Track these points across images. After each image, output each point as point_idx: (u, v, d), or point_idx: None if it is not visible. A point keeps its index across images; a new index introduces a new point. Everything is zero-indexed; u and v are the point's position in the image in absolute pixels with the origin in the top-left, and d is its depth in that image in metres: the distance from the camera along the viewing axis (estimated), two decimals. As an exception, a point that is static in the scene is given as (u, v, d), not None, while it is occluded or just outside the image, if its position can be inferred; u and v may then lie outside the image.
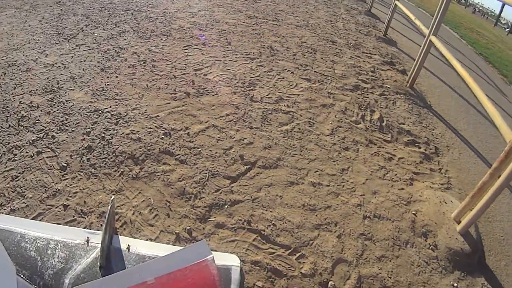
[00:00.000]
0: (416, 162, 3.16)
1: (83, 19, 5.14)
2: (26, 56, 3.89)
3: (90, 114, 2.93)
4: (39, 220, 2.05)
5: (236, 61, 4.12)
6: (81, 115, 2.93)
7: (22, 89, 3.28)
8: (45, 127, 2.83)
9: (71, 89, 3.27)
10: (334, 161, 2.87)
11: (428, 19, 8.26)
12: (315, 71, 4.31)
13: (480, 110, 5.08)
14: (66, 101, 3.10)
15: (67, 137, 2.70)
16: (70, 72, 3.55)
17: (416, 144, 3.45)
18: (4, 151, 2.61)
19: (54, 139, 2.70)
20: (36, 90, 3.24)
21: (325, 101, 3.67)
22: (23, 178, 2.34)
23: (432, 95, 5.01)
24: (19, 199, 2.17)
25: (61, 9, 5.51)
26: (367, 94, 4.17)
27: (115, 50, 4.12)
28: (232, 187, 2.41)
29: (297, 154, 2.84)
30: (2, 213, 2.10)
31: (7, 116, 2.89)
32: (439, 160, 3.33)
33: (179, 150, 2.63)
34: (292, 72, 4.10)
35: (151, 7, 5.87)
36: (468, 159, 3.56)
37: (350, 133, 3.30)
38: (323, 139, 3.10)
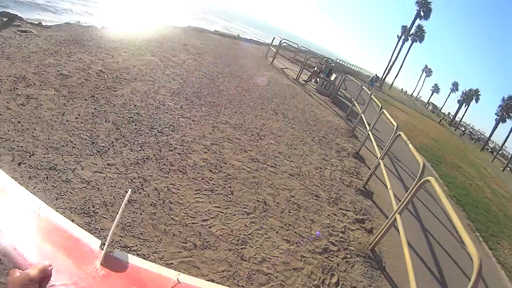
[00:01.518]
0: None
1: (113, 128, 5.86)
2: (65, 162, 4.53)
3: (120, 249, 3.61)
4: None
5: (235, 214, 4.96)
6: (113, 247, 3.69)
7: (63, 202, 3.87)
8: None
9: (104, 217, 3.93)
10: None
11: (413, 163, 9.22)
12: (295, 232, 5.22)
13: (432, 271, 6.13)
14: (101, 229, 3.75)
15: None
16: (103, 197, 4.21)
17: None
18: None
19: None
20: (76, 208, 3.86)
21: (297, 265, 4.58)
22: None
23: (388, 256, 5.98)
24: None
25: (95, 108, 6.24)
26: (332, 257, 5.12)
27: (140, 181, 4.81)
28: None
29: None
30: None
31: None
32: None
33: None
34: (277, 232, 5.00)
35: (172, 130, 6.67)
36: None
37: (311, 298, 4.26)
38: (288, 302, 4.04)
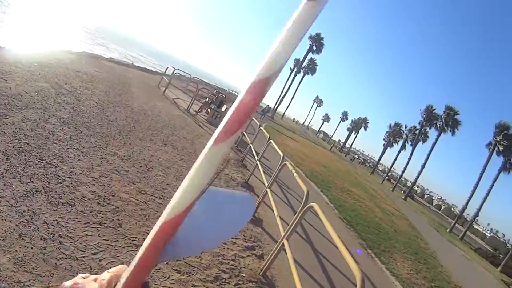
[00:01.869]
0: None
1: (3, 159, 5.67)
2: None
3: (15, 285, 3.54)
4: None
5: (124, 247, 4.98)
6: (8, 283, 3.51)
7: None
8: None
9: None
10: None
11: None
12: (185, 262, 5.31)
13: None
14: None
15: None
16: None
17: None
18: None
19: None
20: None
21: None
22: None
23: (280, 280, 6.23)
24: None
25: None
26: (224, 285, 5.27)
27: (29, 214, 4.68)
28: None
29: None
30: None
31: None
32: None
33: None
34: (167, 263, 5.07)
35: (61, 162, 6.53)
36: None
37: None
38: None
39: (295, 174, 6.83)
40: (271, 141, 10.17)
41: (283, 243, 5.74)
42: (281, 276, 6.34)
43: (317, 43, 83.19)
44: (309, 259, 7.72)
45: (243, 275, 5.79)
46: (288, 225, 5.96)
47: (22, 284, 3.62)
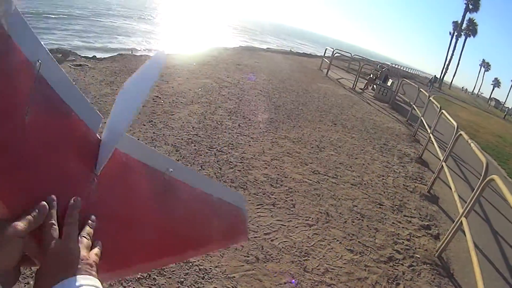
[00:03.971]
0: None
1: (173, 150, 6.06)
2: None
3: (182, 265, 3.75)
4: None
5: (297, 227, 5.00)
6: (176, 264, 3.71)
7: None
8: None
9: None
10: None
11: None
12: (358, 241, 5.18)
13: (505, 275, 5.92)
14: None
15: (165, 282, 3.48)
16: None
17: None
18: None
19: (155, 281, 3.42)
20: None
21: (361, 274, 4.54)
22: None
23: (457, 262, 5.77)
24: None
25: (154, 132, 6.49)
26: (397, 266, 5.03)
27: None
28: None
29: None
30: None
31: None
32: None
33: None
34: (340, 242, 4.99)
35: (231, 149, 6.83)
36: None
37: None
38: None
39: (472, 145, 6.28)
40: (443, 111, 9.51)
41: (461, 221, 5.33)
42: (457, 259, 5.88)
43: (472, 0, 76.98)
44: (487, 241, 7.09)
45: (418, 256, 5.49)
46: (466, 202, 5.53)
47: (190, 263, 3.82)
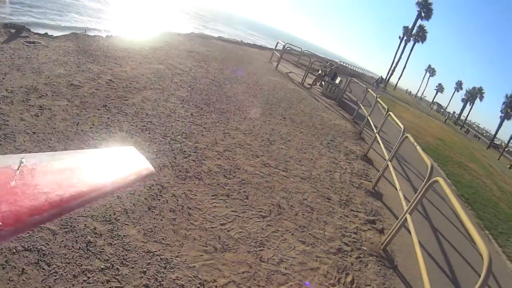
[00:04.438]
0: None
1: (127, 137, 6.04)
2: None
3: (143, 254, 3.76)
4: None
5: (251, 218, 5.12)
6: (137, 253, 3.73)
7: (84, 210, 3.98)
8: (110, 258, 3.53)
9: (126, 224, 4.06)
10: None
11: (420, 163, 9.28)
12: (309, 233, 5.37)
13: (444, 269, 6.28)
14: (124, 235, 3.88)
15: (128, 272, 3.48)
16: (123, 204, 4.34)
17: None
18: (78, 272, 3.23)
19: (118, 271, 3.43)
20: (97, 216, 3.99)
21: (313, 265, 4.74)
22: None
23: (400, 255, 6.11)
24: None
25: (108, 118, 6.41)
26: (346, 257, 5.27)
27: (158, 188, 4.94)
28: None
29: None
30: None
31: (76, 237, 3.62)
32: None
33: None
34: (292, 234, 5.15)
35: (185, 138, 6.84)
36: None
37: (328, 296, 4.46)
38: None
39: (417, 147, 6.62)
40: (390, 112, 9.89)
41: (405, 217, 5.62)
42: (400, 252, 6.22)
43: (425, 8, 79.59)
44: (428, 237, 7.49)
45: (364, 248, 5.76)
46: (409, 201, 5.83)
47: (152, 253, 3.83)
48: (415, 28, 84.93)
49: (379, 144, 9.88)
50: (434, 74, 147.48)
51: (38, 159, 1.33)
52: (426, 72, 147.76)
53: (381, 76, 64.01)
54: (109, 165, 1.61)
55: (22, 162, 1.21)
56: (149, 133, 6.48)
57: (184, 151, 6.34)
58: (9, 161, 1.22)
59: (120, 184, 1.49)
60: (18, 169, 1.19)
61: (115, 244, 3.75)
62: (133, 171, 1.62)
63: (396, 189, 7.11)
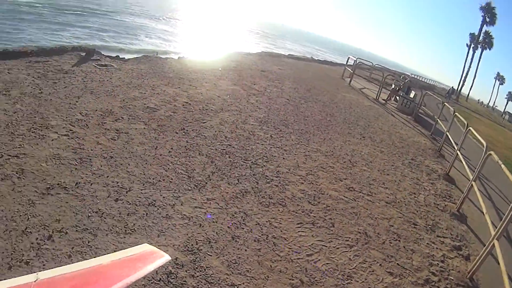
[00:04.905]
0: None
1: (208, 162, 6.10)
2: (163, 197, 4.74)
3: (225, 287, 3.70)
4: None
5: (338, 248, 5.02)
6: (220, 286, 3.66)
7: (165, 239, 4.00)
8: (190, 288, 3.55)
9: (209, 254, 4.04)
10: None
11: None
12: (397, 263, 5.20)
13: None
14: (206, 267, 3.83)
15: None
16: (206, 233, 4.35)
17: None
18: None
19: None
20: (179, 246, 3.98)
21: None
22: None
23: (486, 285, 5.72)
24: None
25: (187, 141, 6.53)
26: (434, 288, 5.12)
27: (241, 216, 4.95)
28: None
29: None
30: None
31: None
32: None
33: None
34: (380, 264, 5.01)
35: (266, 161, 6.85)
36: None
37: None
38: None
39: (502, 166, 6.27)
40: (470, 128, 9.49)
41: (493, 243, 5.36)
42: (487, 281, 5.91)
43: (489, 13, 76.30)
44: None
45: (452, 278, 5.49)
46: (495, 225, 5.56)
47: (236, 287, 3.76)
48: (481, 34, 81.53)
49: (461, 162, 9.52)
50: (504, 82, 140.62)
51: (52, 274, 1.40)
52: (495, 81, 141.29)
53: (452, 87, 61.78)
54: (125, 269, 1.65)
55: (38, 278, 1.27)
56: (229, 157, 6.56)
57: (266, 176, 6.35)
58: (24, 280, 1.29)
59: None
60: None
61: (197, 275, 3.73)
62: (150, 268, 1.70)
63: (483, 213, 6.81)
